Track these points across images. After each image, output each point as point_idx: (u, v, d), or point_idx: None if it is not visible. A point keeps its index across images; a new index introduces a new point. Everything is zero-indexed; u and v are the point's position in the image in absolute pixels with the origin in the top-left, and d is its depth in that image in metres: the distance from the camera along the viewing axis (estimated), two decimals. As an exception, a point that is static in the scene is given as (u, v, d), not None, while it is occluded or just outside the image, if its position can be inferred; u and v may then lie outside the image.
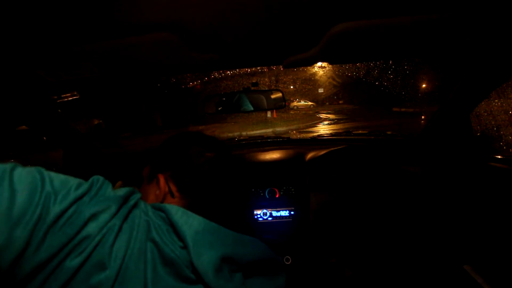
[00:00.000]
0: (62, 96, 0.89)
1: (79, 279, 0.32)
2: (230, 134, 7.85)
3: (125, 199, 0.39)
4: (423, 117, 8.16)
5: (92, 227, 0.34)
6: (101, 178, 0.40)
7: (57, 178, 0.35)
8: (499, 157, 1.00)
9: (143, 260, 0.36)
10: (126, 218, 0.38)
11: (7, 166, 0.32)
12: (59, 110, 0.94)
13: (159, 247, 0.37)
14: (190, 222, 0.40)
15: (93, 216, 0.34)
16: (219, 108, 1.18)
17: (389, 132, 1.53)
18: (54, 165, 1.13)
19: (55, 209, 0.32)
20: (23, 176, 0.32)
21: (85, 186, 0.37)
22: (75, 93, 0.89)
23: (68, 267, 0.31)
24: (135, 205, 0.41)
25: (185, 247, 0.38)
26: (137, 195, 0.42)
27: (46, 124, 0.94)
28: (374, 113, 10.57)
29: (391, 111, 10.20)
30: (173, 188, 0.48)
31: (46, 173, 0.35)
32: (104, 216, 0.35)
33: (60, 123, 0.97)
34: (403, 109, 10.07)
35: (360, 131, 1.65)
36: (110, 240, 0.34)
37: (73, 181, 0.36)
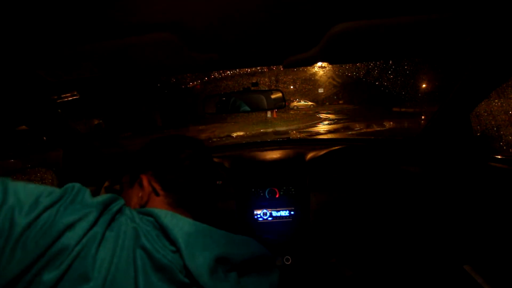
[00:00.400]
0: (62, 96, 0.89)
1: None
2: (230, 134, 7.85)
3: (106, 205, 0.38)
4: (423, 117, 8.17)
5: (69, 237, 0.32)
6: (76, 185, 0.38)
7: (23, 188, 0.33)
8: (499, 157, 1.00)
9: (132, 269, 0.34)
10: (109, 225, 0.36)
11: None
12: (59, 110, 0.94)
13: (150, 254, 0.35)
14: (180, 225, 0.39)
15: (70, 226, 0.32)
16: (219, 108, 1.18)
17: (389, 132, 1.53)
18: (54, 165, 1.13)
19: (21, 221, 0.30)
20: None
21: (57, 193, 0.35)
22: (75, 93, 0.89)
23: (45, 281, 0.29)
24: (119, 211, 0.39)
25: (177, 251, 0.37)
26: (120, 201, 0.41)
27: (46, 124, 0.94)
28: (374, 113, 10.57)
29: (391, 111, 10.20)
30: (157, 187, 0.47)
31: (10, 184, 0.33)
32: (82, 225, 0.33)
33: (60, 123, 0.97)
34: (403, 109, 10.07)
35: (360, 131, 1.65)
36: (92, 250, 0.32)
37: (43, 189, 0.34)
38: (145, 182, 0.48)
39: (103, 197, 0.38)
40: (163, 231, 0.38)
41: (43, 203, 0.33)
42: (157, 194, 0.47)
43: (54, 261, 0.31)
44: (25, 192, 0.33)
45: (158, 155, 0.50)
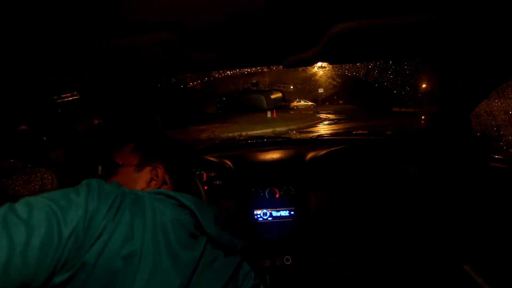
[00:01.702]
0: (62, 96, 0.89)
1: (112, 252, 0.39)
2: (230, 134, 7.85)
3: (123, 191, 0.47)
4: (423, 117, 8.16)
5: (109, 215, 0.41)
6: (92, 181, 0.45)
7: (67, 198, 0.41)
8: (499, 157, 1.00)
9: (161, 228, 0.46)
10: (137, 205, 0.46)
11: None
12: (59, 110, 0.94)
13: (174, 218, 0.49)
14: (185, 198, 0.53)
15: (108, 209, 0.42)
16: (219, 108, 1.18)
17: (389, 132, 1.53)
18: (54, 165, 1.13)
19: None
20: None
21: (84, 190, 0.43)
22: (75, 93, 0.89)
23: (98, 244, 0.38)
24: (131, 195, 0.49)
25: (189, 212, 0.52)
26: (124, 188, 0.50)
27: (46, 124, 0.94)
28: (374, 113, 10.57)
29: (391, 111, 10.20)
30: (167, 177, 0.61)
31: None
32: (115, 204, 0.43)
33: (60, 123, 0.97)
34: (403, 109, 10.07)
35: (360, 131, 1.65)
36: (126, 219, 0.42)
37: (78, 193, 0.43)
38: (161, 173, 0.60)
39: (115, 183, 0.48)
40: (176, 201, 0.52)
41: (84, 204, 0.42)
42: (166, 183, 0.61)
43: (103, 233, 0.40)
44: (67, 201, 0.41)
45: (179, 161, 0.65)
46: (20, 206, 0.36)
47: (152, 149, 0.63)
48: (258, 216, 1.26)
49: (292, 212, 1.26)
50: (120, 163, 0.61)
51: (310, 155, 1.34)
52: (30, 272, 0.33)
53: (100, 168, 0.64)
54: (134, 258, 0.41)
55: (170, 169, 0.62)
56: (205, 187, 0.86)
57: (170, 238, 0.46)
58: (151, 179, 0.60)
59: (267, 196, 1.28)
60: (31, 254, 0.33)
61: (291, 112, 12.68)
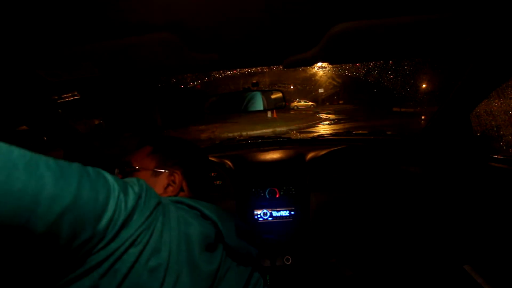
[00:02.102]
0: (63, 96, 0.89)
1: (141, 263, 0.38)
2: (230, 134, 7.85)
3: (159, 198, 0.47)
4: (423, 117, 8.16)
5: (146, 223, 0.40)
6: (142, 182, 0.45)
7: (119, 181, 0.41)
8: (499, 157, 1.00)
9: (184, 240, 0.44)
10: (164, 214, 0.45)
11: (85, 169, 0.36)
12: (60, 110, 0.94)
13: (197, 228, 0.47)
14: (209, 207, 0.52)
15: (148, 216, 0.41)
16: (220, 108, 1.18)
17: (389, 132, 1.53)
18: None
19: (127, 206, 0.38)
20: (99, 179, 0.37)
21: (137, 188, 0.42)
22: (76, 93, 0.89)
23: (131, 253, 0.37)
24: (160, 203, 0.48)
25: (212, 223, 0.51)
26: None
27: (47, 124, 0.94)
28: (374, 113, 10.58)
29: (391, 111, 10.20)
30: (184, 185, 0.59)
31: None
32: (154, 212, 0.42)
33: (61, 123, 0.97)
34: (403, 109, 10.07)
35: (360, 131, 1.65)
36: (158, 229, 0.41)
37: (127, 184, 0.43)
38: (178, 179, 0.58)
39: (151, 190, 0.46)
40: (200, 212, 0.51)
41: (133, 195, 0.41)
42: (183, 190, 0.59)
43: (138, 238, 0.39)
44: (123, 184, 0.41)
45: (196, 166, 0.63)
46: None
47: (171, 153, 0.60)
48: (258, 216, 1.26)
49: (292, 212, 1.26)
50: (137, 167, 0.57)
51: (310, 155, 1.34)
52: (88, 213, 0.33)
53: (116, 171, 0.62)
54: (160, 272, 0.39)
55: (187, 175, 0.59)
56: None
57: (193, 251, 0.44)
58: (168, 185, 0.57)
59: (267, 196, 1.28)
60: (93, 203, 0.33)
61: (291, 112, 12.68)
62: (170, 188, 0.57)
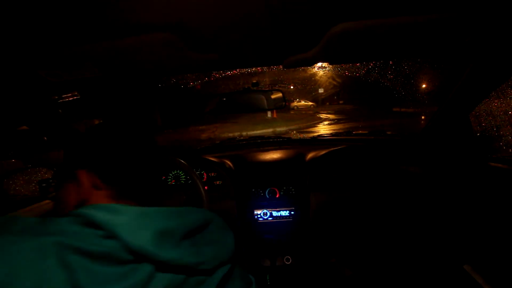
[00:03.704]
0: (63, 96, 0.90)
1: None
2: (230, 134, 7.85)
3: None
4: (423, 117, 8.17)
5: None
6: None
7: None
8: (499, 157, 1.00)
9: (63, 272, 0.33)
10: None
11: None
12: (60, 110, 0.94)
13: (82, 250, 0.35)
14: (115, 216, 0.39)
15: None
16: (220, 108, 1.18)
17: (389, 132, 1.53)
18: (54, 165, 1.13)
19: None
20: None
21: None
22: (76, 93, 0.89)
23: None
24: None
25: (114, 237, 0.37)
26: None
27: (47, 124, 0.94)
28: (374, 113, 10.58)
29: (391, 111, 10.20)
30: (96, 181, 0.46)
31: None
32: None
33: (61, 123, 0.97)
34: (403, 109, 10.07)
35: (360, 131, 1.65)
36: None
37: None
38: (82, 178, 0.46)
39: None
40: (97, 226, 0.37)
41: None
42: (99, 188, 0.46)
43: None
44: None
45: (92, 146, 0.48)
46: None
47: (72, 155, 0.50)
48: (258, 216, 1.26)
49: (292, 212, 1.26)
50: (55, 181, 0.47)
51: (310, 155, 1.34)
52: None
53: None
54: None
55: (96, 168, 0.46)
56: (205, 187, 0.86)
57: (78, 280, 0.33)
58: (77, 191, 0.46)
59: (267, 196, 1.28)
60: None
61: (291, 112, 12.68)
62: (78, 191, 0.46)
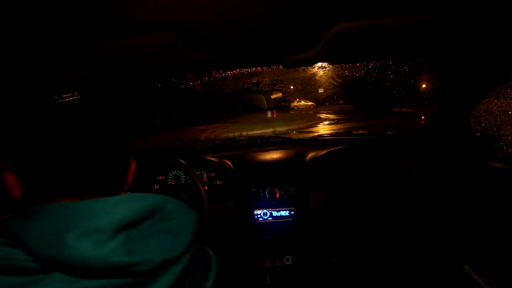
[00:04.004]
0: (63, 96, 0.89)
1: None
2: (230, 134, 7.85)
3: None
4: (423, 117, 8.17)
5: None
6: None
7: None
8: (499, 157, 1.00)
9: None
10: None
11: None
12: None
13: None
14: (28, 224, 0.32)
15: None
16: (220, 108, 1.18)
17: (389, 132, 1.53)
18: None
19: None
20: None
21: None
22: (76, 93, 0.89)
23: None
24: None
25: (21, 246, 0.31)
26: None
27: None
28: (374, 113, 10.58)
29: (391, 111, 10.20)
30: (12, 180, 0.39)
31: None
32: None
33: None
34: (403, 109, 10.07)
35: (360, 131, 1.65)
36: None
37: None
38: (8, 179, 0.39)
39: None
40: (11, 237, 0.32)
41: None
42: (25, 189, 0.38)
43: None
44: None
45: (13, 139, 0.40)
46: None
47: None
48: (258, 216, 1.26)
49: (292, 212, 1.26)
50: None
51: (310, 155, 1.34)
52: None
53: None
54: None
55: (19, 168, 0.39)
56: (205, 187, 0.86)
57: None
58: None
59: (267, 196, 1.28)
60: None
61: (291, 112, 12.68)
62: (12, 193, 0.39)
